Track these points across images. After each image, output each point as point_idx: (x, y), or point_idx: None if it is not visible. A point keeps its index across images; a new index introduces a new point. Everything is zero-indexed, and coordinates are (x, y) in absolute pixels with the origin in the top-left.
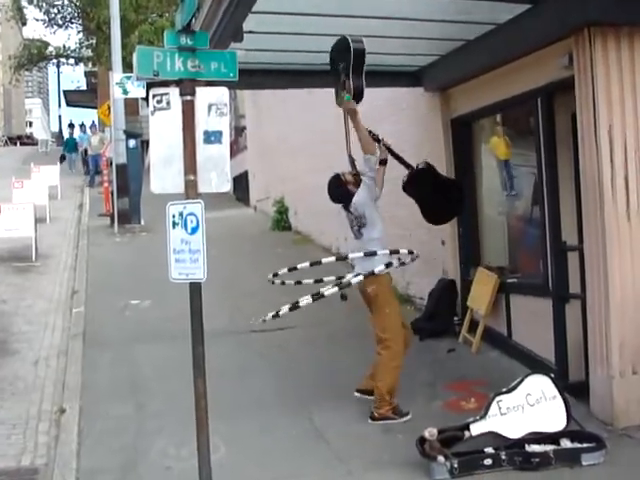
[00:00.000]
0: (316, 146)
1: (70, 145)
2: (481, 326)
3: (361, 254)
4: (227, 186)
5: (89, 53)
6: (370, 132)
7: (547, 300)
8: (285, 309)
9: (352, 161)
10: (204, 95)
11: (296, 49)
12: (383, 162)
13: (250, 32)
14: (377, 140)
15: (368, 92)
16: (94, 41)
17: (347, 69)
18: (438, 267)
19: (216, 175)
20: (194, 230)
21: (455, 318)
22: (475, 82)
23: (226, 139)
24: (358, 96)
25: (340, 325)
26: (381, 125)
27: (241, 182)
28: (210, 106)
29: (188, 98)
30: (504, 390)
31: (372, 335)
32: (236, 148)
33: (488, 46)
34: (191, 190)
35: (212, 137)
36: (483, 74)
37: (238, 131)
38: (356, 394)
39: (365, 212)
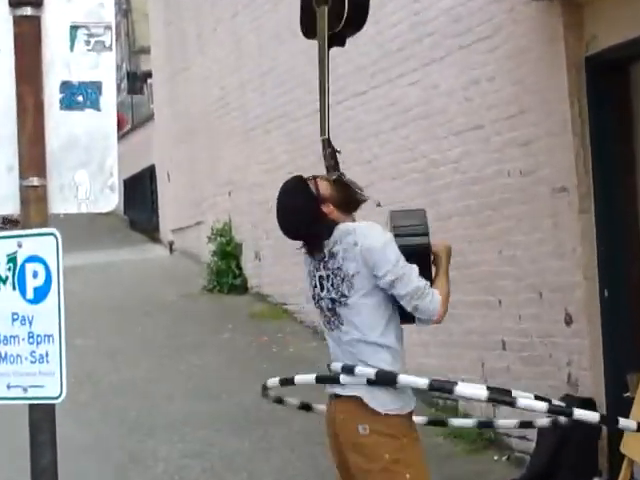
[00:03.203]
0: (305, 117)
1: None
2: None
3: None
4: (112, 200)
5: None
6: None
7: None
8: None
9: (330, 153)
10: (62, 7)
11: None
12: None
13: None
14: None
15: (404, 5)
16: None
17: None
18: (558, 371)
19: (88, 177)
20: (41, 293)
21: None
22: None
23: (110, 100)
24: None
25: None
26: (432, 71)
27: (141, 191)
28: (75, 30)
29: (28, 13)
30: None
31: None
32: (129, 119)
33: None
34: (35, 209)
35: (80, 96)
36: None
37: (134, 83)
38: None
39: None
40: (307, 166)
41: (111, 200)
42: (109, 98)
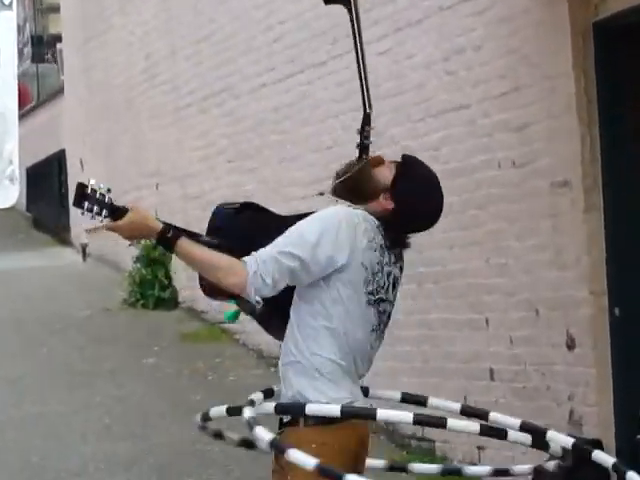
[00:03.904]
0: (249, 93)
1: None
2: None
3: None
4: (12, 194)
5: None
6: None
7: None
8: None
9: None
10: None
11: None
12: None
13: None
14: None
15: None
16: None
17: None
18: (558, 407)
19: None
20: None
21: None
22: None
23: (9, 71)
24: None
25: None
26: (406, 38)
27: (48, 183)
28: None
29: None
30: None
31: None
32: (34, 94)
33: None
34: None
35: None
36: None
37: (40, 49)
38: None
39: None
40: (252, 152)
41: (10, 194)
42: (8, 68)
